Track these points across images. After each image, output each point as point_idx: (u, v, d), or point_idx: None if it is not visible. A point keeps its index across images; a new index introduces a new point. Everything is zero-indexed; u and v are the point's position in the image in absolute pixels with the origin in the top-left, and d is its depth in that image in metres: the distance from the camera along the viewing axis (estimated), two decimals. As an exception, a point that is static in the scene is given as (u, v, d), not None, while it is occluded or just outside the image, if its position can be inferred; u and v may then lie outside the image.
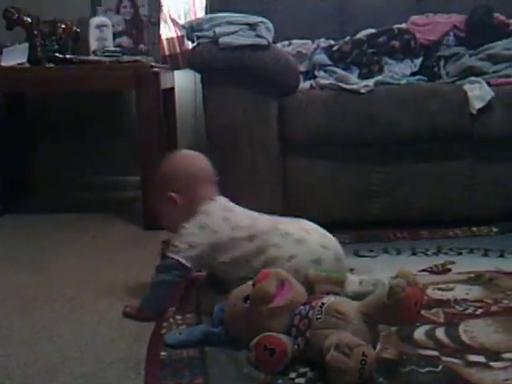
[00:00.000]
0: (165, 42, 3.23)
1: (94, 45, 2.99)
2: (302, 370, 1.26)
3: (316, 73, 2.56)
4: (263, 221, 1.70)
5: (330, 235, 1.68)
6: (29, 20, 2.86)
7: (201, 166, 1.80)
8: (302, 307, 1.33)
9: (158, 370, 1.30)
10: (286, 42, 2.73)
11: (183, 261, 1.62)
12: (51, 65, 2.75)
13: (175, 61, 3.20)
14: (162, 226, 1.84)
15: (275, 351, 1.25)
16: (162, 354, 1.37)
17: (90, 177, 3.44)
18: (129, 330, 1.54)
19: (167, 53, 3.21)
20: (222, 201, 1.77)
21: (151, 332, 1.50)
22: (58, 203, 3.24)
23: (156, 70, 2.65)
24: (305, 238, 1.62)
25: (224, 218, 1.69)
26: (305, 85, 2.48)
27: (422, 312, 1.32)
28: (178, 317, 1.58)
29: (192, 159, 1.82)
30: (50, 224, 2.78)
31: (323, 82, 2.44)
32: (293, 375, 1.25)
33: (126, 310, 1.64)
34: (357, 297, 1.46)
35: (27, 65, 2.78)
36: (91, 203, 3.25)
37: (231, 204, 1.77)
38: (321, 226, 1.72)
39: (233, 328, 1.40)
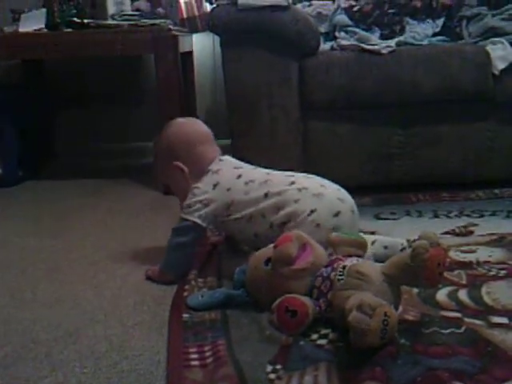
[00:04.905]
0: (183, 5, 3.19)
1: (111, 9, 2.96)
2: (324, 331, 1.26)
3: (337, 34, 2.52)
4: (277, 176, 1.67)
5: (342, 189, 1.64)
6: (46, -15, 2.84)
7: (195, 128, 1.79)
8: (323, 269, 1.33)
9: (180, 332, 1.31)
10: (306, 3, 2.69)
11: (198, 221, 1.62)
12: (69, 30, 2.74)
13: (193, 24, 3.17)
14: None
15: (297, 313, 1.25)
16: (185, 316, 1.38)
17: (110, 143, 3.45)
18: (151, 293, 1.55)
19: (185, 16, 3.17)
20: (230, 159, 1.77)
21: (173, 295, 1.51)
22: (78, 169, 3.26)
23: (174, 33, 2.63)
24: (322, 192, 1.58)
25: (236, 174, 1.68)
26: (325, 46, 2.45)
27: (445, 274, 1.31)
28: (200, 280, 1.59)
29: (184, 125, 1.81)
30: (71, 190, 2.80)
31: (344, 42, 2.40)
32: (314, 336, 1.25)
33: (147, 273, 1.66)
34: (378, 259, 1.46)
35: (45, 30, 2.76)
36: (112, 169, 3.27)
37: (239, 162, 1.76)
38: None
39: (254, 290, 1.40)
